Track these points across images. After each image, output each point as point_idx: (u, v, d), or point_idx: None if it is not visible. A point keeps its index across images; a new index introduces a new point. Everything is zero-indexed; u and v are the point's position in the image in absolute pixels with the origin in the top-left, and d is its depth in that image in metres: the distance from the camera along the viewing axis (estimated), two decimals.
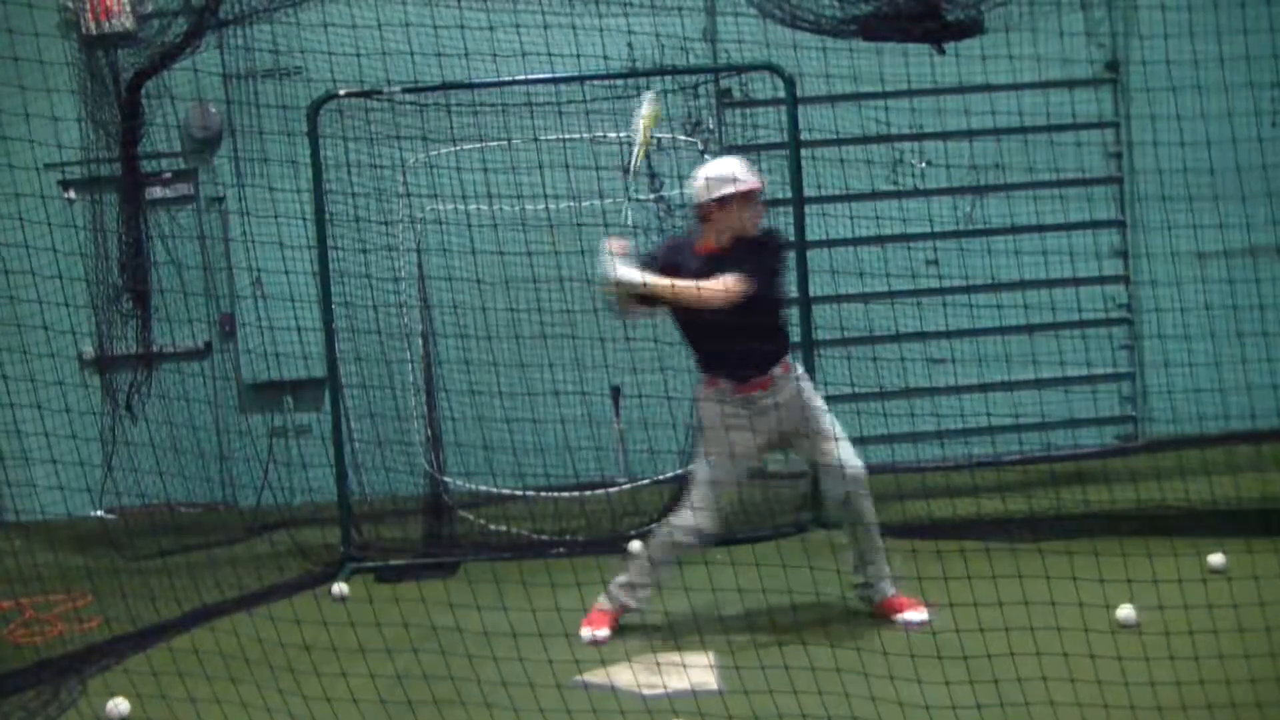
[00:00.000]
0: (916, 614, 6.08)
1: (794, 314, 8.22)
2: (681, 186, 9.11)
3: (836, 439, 6.07)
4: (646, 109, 6.22)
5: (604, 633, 6.20)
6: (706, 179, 6.01)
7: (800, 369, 6.23)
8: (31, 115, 6.97)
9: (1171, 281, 8.77)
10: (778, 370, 6.05)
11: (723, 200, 5.96)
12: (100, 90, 8.47)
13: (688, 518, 6.09)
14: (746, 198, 5.99)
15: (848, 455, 6.08)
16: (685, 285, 5.84)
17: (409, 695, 5.23)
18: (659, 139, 8.99)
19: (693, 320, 6.02)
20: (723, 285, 5.79)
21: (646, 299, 5.95)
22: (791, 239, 8.21)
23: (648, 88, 8.72)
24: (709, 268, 5.90)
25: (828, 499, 6.27)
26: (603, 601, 6.28)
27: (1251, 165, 7.94)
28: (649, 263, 6.02)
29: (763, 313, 5.93)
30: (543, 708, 5.10)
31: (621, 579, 6.27)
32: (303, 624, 5.92)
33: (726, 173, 6.00)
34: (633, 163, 6.23)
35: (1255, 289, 8.11)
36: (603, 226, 7.68)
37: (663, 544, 6.19)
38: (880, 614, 6.18)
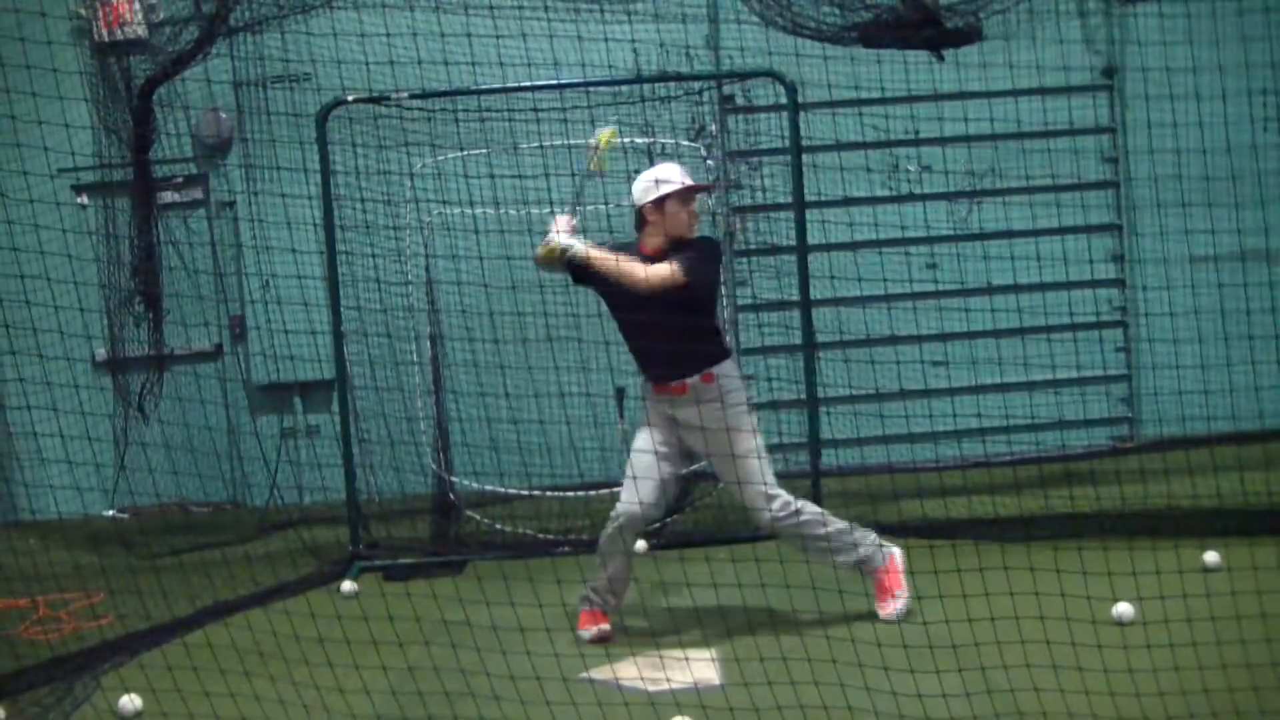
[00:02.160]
0: (888, 608, 6.16)
1: (797, 317, 8.34)
2: None
3: (741, 483, 6.05)
4: (603, 136, 6.34)
5: (604, 627, 6.26)
6: (644, 183, 6.13)
7: (732, 384, 6.16)
8: (44, 121, 7.00)
9: (1167, 286, 8.83)
10: (696, 380, 6.07)
11: (658, 202, 6.06)
12: (112, 97, 8.53)
13: (618, 504, 6.19)
14: (681, 199, 6.08)
15: (752, 499, 6.07)
16: (622, 260, 5.96)
17: (419, 687, 5.31)
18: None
19: (624, 315, 6.15)
20: (658, 267, 5.89)
21: (581, 269, 6.07)
22: (793, 243, 8.34)
23: (652, 94, 8.88)
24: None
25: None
26: (583, 606, 6.35)
27: (1245, 171, 8.04)
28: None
29: (688, 315, 5.99)
30: (549, 700, 5.18)
31: (591, 582, 6.33)
32: (315, 618, 5.99)
33: (662, 175, 6.12)
34: (580, 185, 6.38)
35: (1250, 293, 8.22)
36: (608, 232, 7.79)
37: (604, 536, 6.24)
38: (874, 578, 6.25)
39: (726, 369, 6.14)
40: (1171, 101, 7.82)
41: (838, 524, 6.19)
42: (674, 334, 5.94)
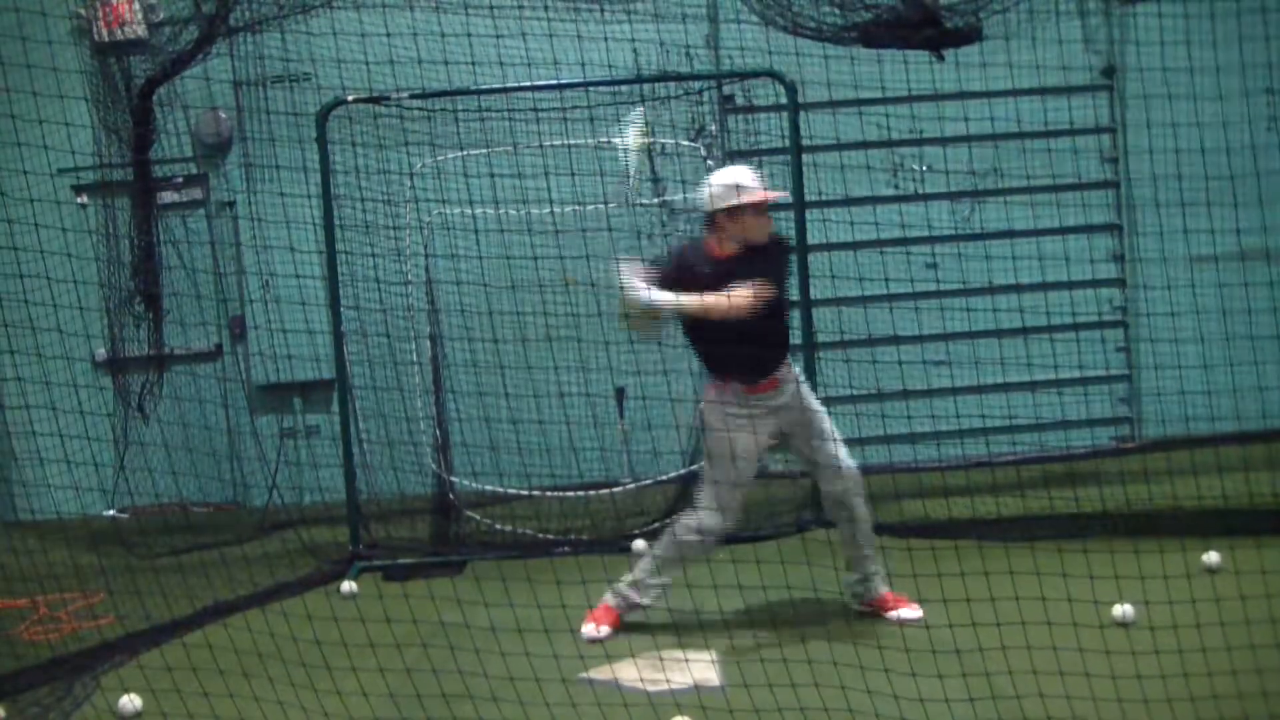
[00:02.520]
0: (911, 611, 6.19)
1: (795, 317, 8.33)
2: (684, 191, 9.23)
3: (835, 439, 6.17)
4: (635, 131, 6.34)
5: (606, 630, 6.28)
6: (716, 188, 6.05)
7: (798, 370, 6.33)
8: (44, 121, 7.02)
9: (1168, 285, 8.82)
10: (783, 371, 6.16)
11: (732, 211, 6.03)
12: (112, 96, 8.53)
13: (695, 518, 6.19)
14: (756, 208, 6.05)
15: (844, 456, 6.19)
16: (699, 302, 5.92)
17: (418, 689, 5.32)
18: (657, 144, 9.10)
19: (701, 323, 6.09)
20: (733, 299, 5.86)
21: (658, 315, 6.06)
22: (793, 242, 8.33)
23: (652, 94, 8.87)
24: (720, 273, 5.97)
25: (826, 497, 6.35)
26: (609, 599, 6.38)
27: (1246, 171, 8.03)
28: (661, 271, 6.10)
29: (771, 317, 6.02)
30: (549, 702, 5.19)
31: (628, 578, 6.36)
32: (313, 620, 6.01)
33: (739, 181, 6.06)
34: (631, 174, 6.36)
35: (1251, 292, 8.21)
36: (607, 231, 7.79)
37: (671, 543, 6.27)
38: (871, 610, 6.28)
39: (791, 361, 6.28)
40: (1171, 101, 7.82)
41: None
42: (758, 338, 5.98)
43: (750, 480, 6.24)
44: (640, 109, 6.44)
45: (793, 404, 6.18)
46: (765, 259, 6.04)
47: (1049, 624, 5.19)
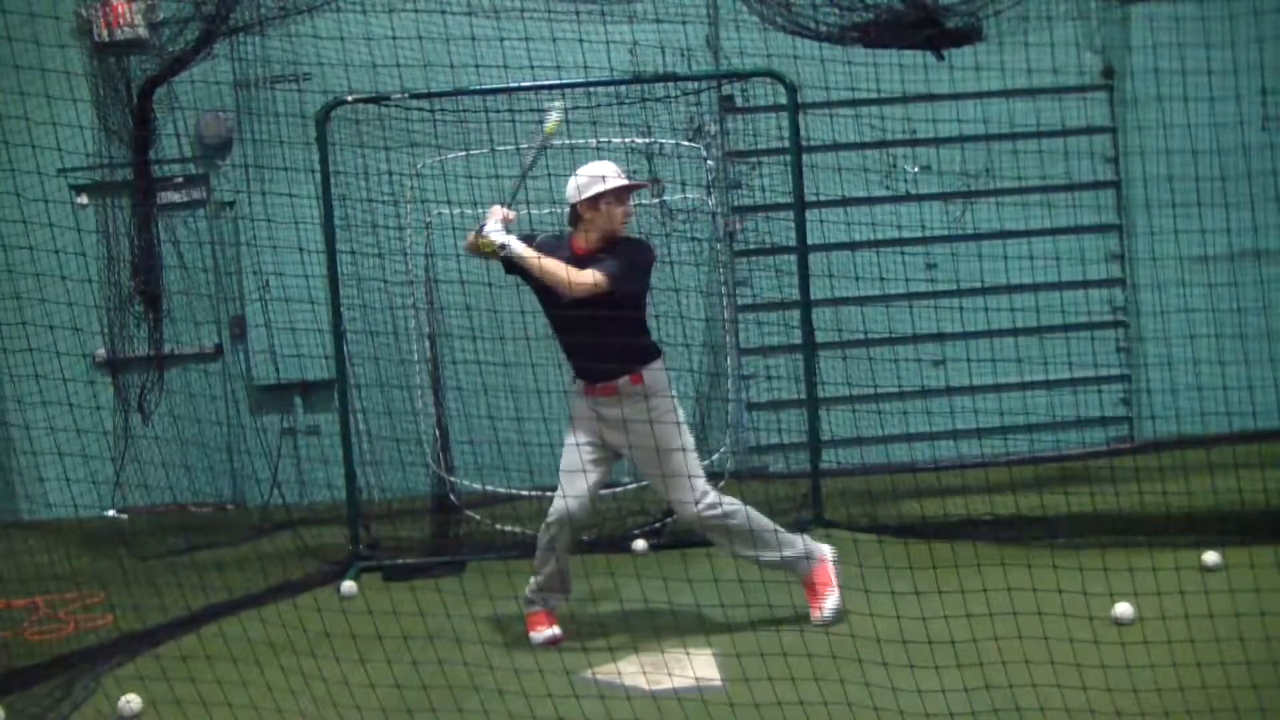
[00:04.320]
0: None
1: (797, 317, 8.35)
2: (684, 191, 9.25)
3: (665, 476, 6.10)
4: (555, 118, 6.40)
5: (553, 631, 6.27)
6: (578, 179, 6.15)
7: (660, 387, 6.19)
8: (44, 121, 7.03)
9: (1166, 285, 8.84)
10: (625, 381, 6.12)
11: (593, 200, 6.09)
12: (112, 97, 8.54)
13: (553, 504, 6.24)
14: (616, 197, 6.12)
15: (678, 496, 6.12)
16: (539, 262, 6.01)
17: (424, 681, 5.33)
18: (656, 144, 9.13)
19: (553, 312, 6.19)
20: (583, 275, 5.93)
21: (509, 264, 6.17)
22: (792, 243, 8.35)
23: (652, 94, 8.88)
24: (578, 265, 6.04)
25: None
26: (530, 608, 6.36)
27: (1245, 171, 8.05)
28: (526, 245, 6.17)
29: (615, 315, 6.01)
30: (552, 694, 5.19)
31: (533, 581, 6.35)
32: (315, 618, 6.01)
33: (597, 172, 6.14)
34: (527, 164, 6.40)
35: (1248, 292, 8.23)
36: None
37: (541, 537, 6.29)
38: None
39: (654, 368, 6.18)
40: (1170, 102, 7.85)
41: (764, 522, 6.23)
42: (600, 334, 5.97)
43: (590, 472, 6.19)
44: (561, 101, 6.48)
45: (616, 421, 6.13)
46: (618, 254, 6.08)
47: (1040, 615, 5.19)
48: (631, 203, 6.30)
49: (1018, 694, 4.87)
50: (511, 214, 6.23)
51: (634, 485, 8.64)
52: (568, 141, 8.70)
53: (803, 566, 6.26)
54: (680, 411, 6.26)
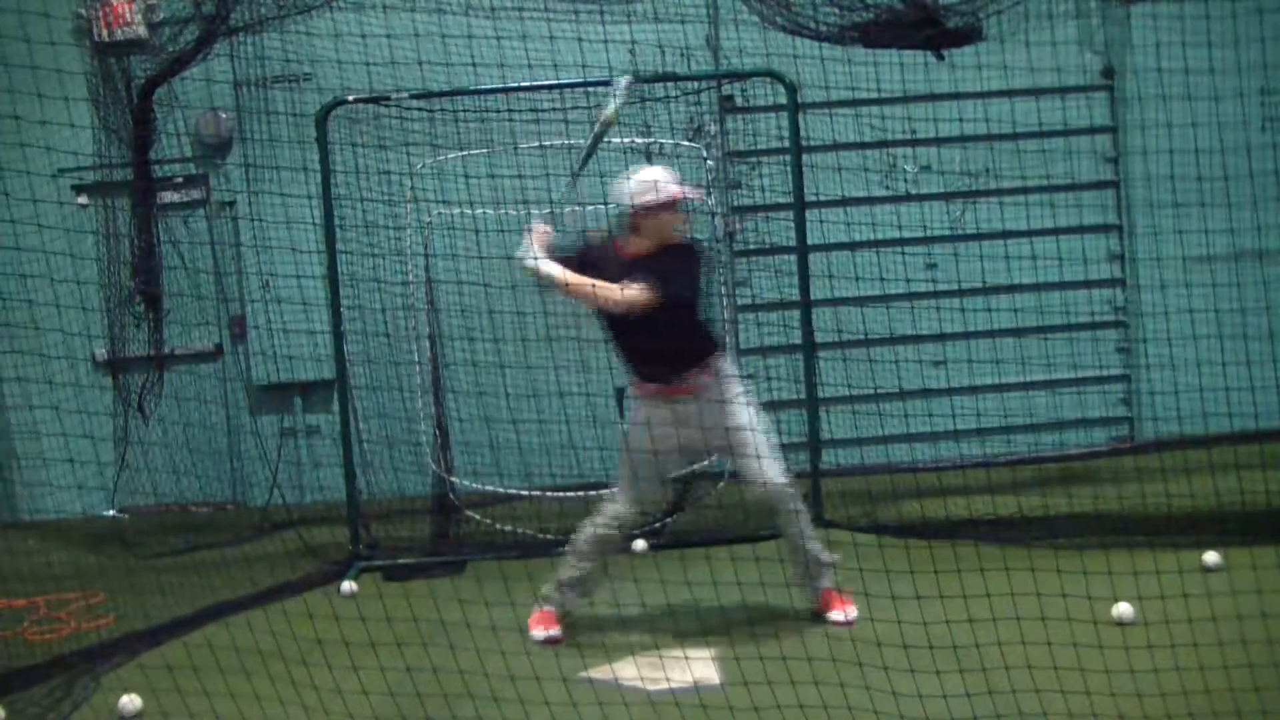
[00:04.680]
0: (844, 613, 6.22)
1: (797, 317, 8.35)
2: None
3: (759, 456, 6.08)
4: (612, 106, 6.33)
5: (555, 632, 6.26)
6: (632, 186, 6.11)
7: (729, 375, 6.24)
8: (44, 122, 7.03)
9: (1167, 285, 8.84)
10: (696, 375, 6.12)
11: (646, 208, 6.06)
12: (112, 97, 8.54)
13: (608, 509, 6.22)
14: (668, 206, 6.08)
15: (774, 474, 6.12)
16: (584, 285, 5.95)
17: (418, 688, 5.32)
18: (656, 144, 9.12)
19: (613, 318, 6.13)
20: (631, 294, 5.88)
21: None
22: (792, 243, 8.35)
23: (651, 94, 8.87)
24: (623, 271, 5.99)
25: (756, 508, 6.34)
26: (544, 604, 6.35)
27: (1245, 171, 8.04)
28: (568, 254, 6.15)
29: (675, 317, 6.01)
30: (549, 700, 5.19)
31: (555, 579, 6.34)
32: (313, 619, 6.00)
33: (651, 181, 6.11)
34: (582, 156, 6.33)
35: (1249, 292, 8.23)
36: (608, 231, 7.77)
37: (587, 539, 6.27)
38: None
39: (720, 357, 6.21)
40: (1170, 101, 7.84)
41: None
42: (665, 336, 5.97)
43: (666, 477, 6.26)
44: (628, 79, 6.43)
45: (708, 411, 6.11)
46: (670, 260, 6.03)
47: (1044, 619, 5.18)
48: (681, 211, 6.22)
49: (1020, 698, 4.86)
50: (549, 230, 6.15)
51: None
52: (567, 141, 8.71)
53: (823, 581, 6.30)
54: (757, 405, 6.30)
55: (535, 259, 6.01)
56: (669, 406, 6.15)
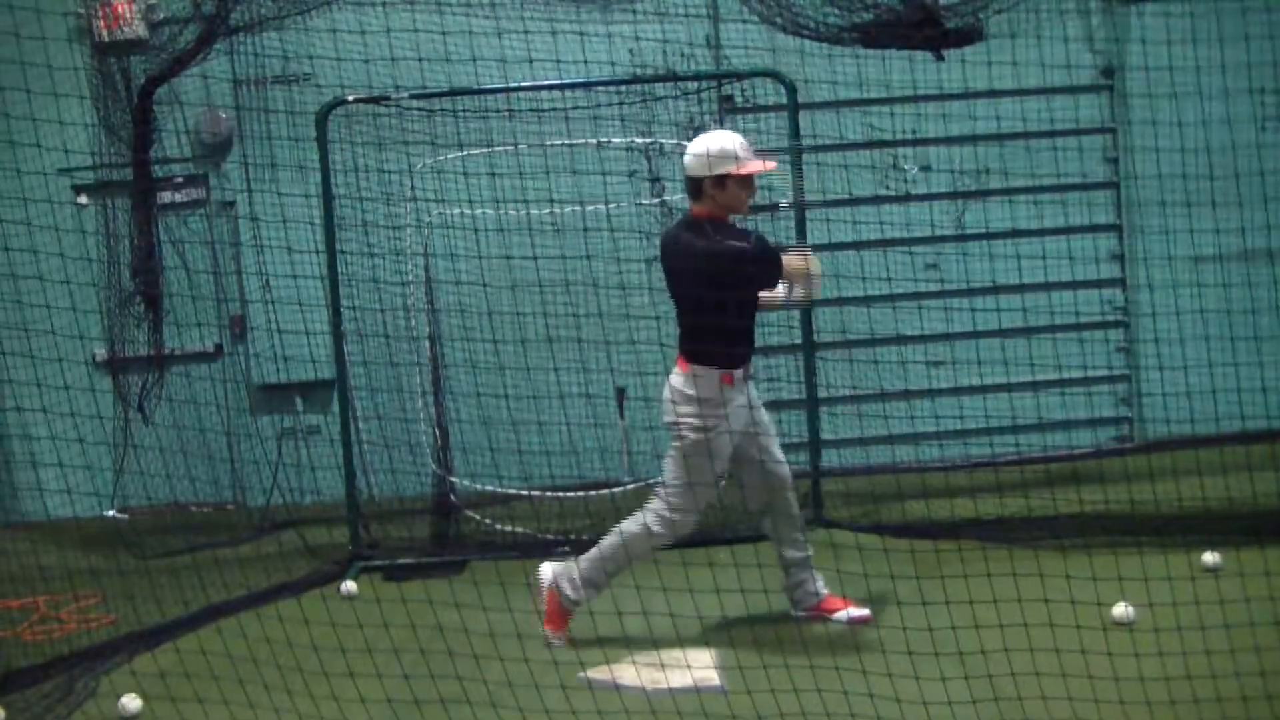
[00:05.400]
0: (859, 610, 6.22)
1: (798, 317, 8.36)
2: (684, 191, 9.21)
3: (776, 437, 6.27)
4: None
5: (565, 636, 6.24)
6: (712, 152, 5.87)
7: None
8: (44, 121, 7.03)
9: (1168, 285, 8.83)
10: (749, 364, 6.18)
11: (720, 179, 5.91)
12: (112, 96, 8.53)
13: (677, 512, 6.07)
14: (744, 181, 5.95)
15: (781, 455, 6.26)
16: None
17: (415, 694, 5.31)
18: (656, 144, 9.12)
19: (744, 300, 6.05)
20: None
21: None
22: (793, 243, 8.33)
23: (652, 93, 8.88)
24: (699, 227, 5.91)
25: (751, 501, 6.33)
26: (567, 603, 6.30)
27: (1246, 171, 8.02)
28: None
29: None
30: (547, 707, 5.19)
31: (574, 573, 6.23)
32: (311, 623, 6.00)
33: (730, 149, 5.90)
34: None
35: (1250, 293, 8.21)
36: (608, 231, 7.78)
37: (646, 538, 6.12)
38: (816, 616, 6.28)
39: None
40: (1171, 100, 7.83)
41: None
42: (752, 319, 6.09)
43: (721, 480, 6.18)
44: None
45: (753, 401, 6.16)
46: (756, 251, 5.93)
47: (1051, 625, 5.18)
48: (756, 185, 6.09)
49: (1025, 703, 4.86)
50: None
51: (633, 485, 8.65)
52: (567, 141, 8.72)
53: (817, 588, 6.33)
54: None
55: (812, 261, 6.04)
56: (746, 388, 6.08)
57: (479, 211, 8.65)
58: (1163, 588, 5.40)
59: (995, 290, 9.36)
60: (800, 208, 7.67)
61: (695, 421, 5.90)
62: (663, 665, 5.53)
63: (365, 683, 5.50)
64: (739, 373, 6.01)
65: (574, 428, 8.77)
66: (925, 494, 8.28)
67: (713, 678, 5.63)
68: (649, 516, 6.09)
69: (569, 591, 6.19)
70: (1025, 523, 7.63)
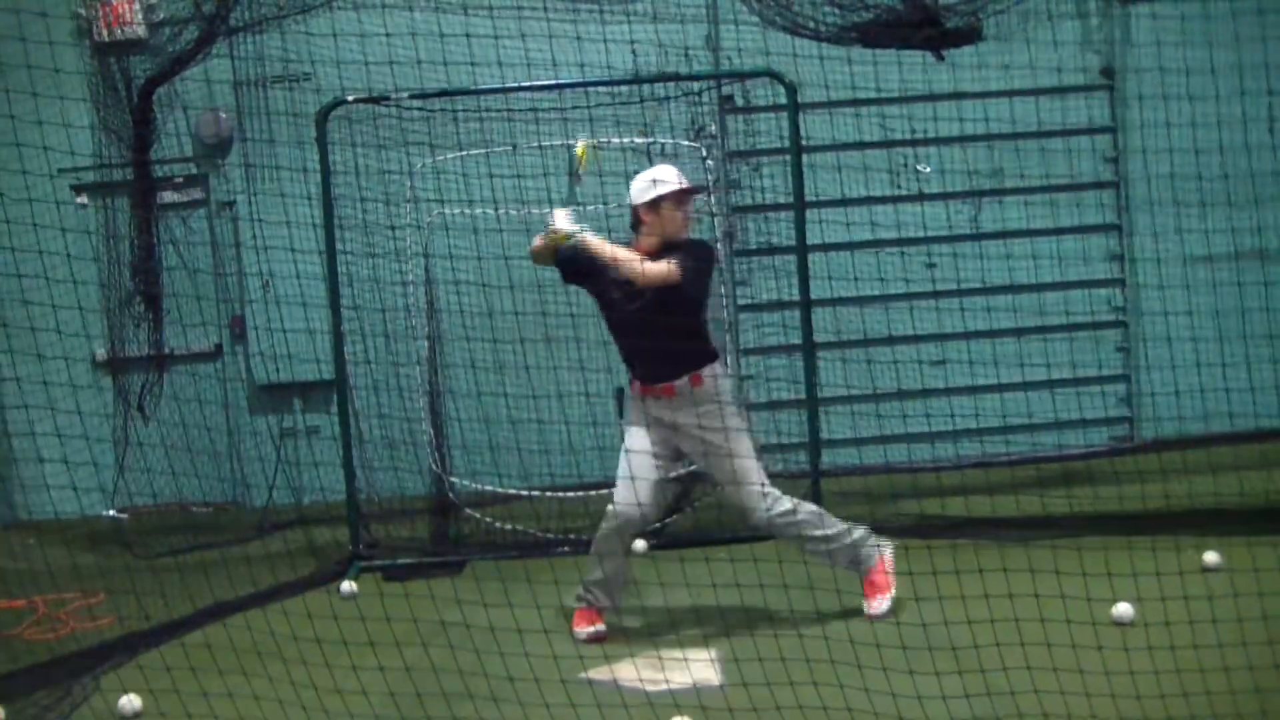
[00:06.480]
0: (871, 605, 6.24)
1: (797, 317, 8.34)
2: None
3: (736, 483, 6.13)
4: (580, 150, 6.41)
5: (597, 628, 6.28)
6: (640, 183, 6.19)
7: (721, 388, 6.22)
8: (45, 121, 7.03)
9: (1167, 285, 8.84)
10: (684, 382, 6.12)
11: (654, 203, 6.12)
12: (112, 97, 8.55)
13: (615, 505, 6.19)
14: (677, 200, 6.14)
15: (755, 504, 6.15)
16: (621, 251, 6.03)
17: (418, 688, 5.32)
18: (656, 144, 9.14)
19: (613, 314, 6.21)
20: (655, 265, 5.93)
21: (572, 266, 6.19)
22: (792, 243, 8.34)
23: (651, 94, 8.89)
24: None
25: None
26: (579, 603, 6.37)
27: (1245, 171, 8.05)
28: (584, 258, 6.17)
29: (674, 316, 6.03)
30: (548, 702, 5.19)
31: (586, 580, 6.35)
32: (313, 619, 6.00)
33: (659, 176, 6.18)
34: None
35: (1249, 293, 8.23)
36: (606, 231, 7.77)
37: (599, 535, 6.25)
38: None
39: (715, 370, 6.19)
40: (1170, 101, 7.84)
41: (835, 523, 6.26)
42: (661, 334, 6.00)
43: (652, 474, 6.18)
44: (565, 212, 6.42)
45: (680, 423, 6.14)
46: (687, 255, 6.04)
47: (1043, 620, 5.18)
48: (691, 207, 6.31)
49: (1020, 700, 4.86)
50: (571, 212, 6.24)
51: None
52: (567, 141, 8.72)
53: (872, 558, 6.28)
54: (746, 417, 6.33)
55: (567, 226, 6.05)
56: (657, 407, 6.17)
57: (478, 212, 8.65)
58: (1161, 588, 5.39)
59: (996, 290, 9.39)
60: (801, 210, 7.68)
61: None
62: (663, 664, 5.53)
63: (368, 675, 5.51)
64: (639, 386, 6.25)
65: (573, 427, 8.77)
66: (924, 494, 8.28)
67: (712, 677, 5.64)
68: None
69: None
70: (1024, 523, 7.61)
